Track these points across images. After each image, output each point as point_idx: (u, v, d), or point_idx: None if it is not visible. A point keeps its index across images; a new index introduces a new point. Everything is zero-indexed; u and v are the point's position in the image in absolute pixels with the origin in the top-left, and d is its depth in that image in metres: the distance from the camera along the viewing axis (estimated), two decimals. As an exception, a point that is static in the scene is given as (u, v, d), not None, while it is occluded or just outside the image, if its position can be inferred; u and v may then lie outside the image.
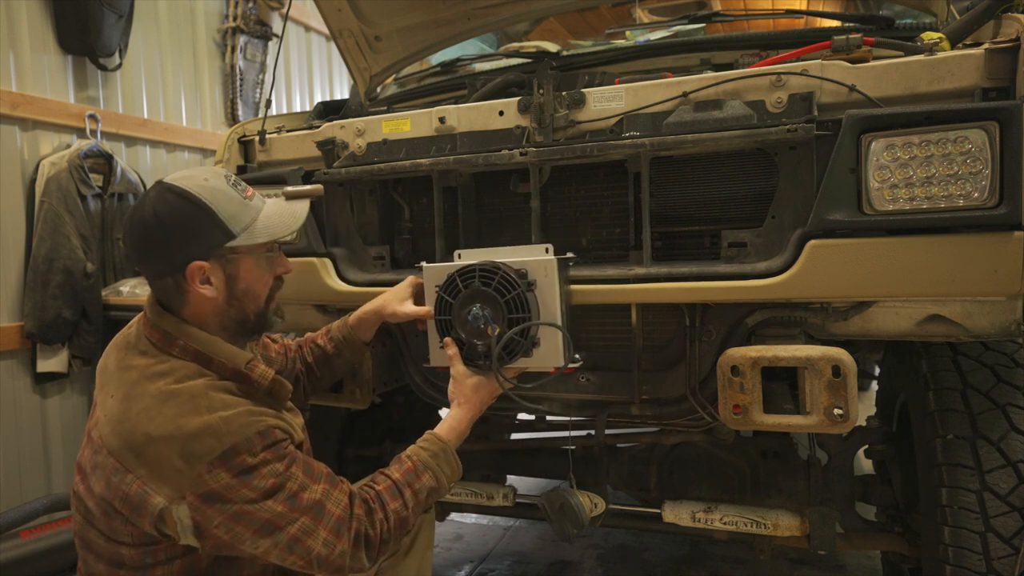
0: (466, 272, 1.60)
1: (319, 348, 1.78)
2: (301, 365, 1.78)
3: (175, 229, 1.28)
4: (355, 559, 1.27)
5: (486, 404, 1.59)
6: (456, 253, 1.70)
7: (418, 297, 1.74)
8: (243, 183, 1.39)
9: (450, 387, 1.60)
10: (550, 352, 1.57)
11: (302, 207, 1.46)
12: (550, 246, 1.60)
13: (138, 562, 1.26)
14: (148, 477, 1.19)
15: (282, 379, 1.38)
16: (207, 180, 1.32)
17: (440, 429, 1.52)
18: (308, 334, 1.82)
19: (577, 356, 1.62)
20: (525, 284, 1.56)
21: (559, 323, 1.57)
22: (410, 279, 1.76)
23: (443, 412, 2.37)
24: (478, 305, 1.57)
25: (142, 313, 1.38)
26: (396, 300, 1.73)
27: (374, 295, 1.86)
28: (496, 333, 1.54)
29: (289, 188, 1.51)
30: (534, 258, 1.58)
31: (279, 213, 1.41)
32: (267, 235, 1.36)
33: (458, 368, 1.60)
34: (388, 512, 1.33)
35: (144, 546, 1.25)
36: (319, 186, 1.52)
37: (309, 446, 1.51)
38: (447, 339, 1.63)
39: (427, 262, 1.72)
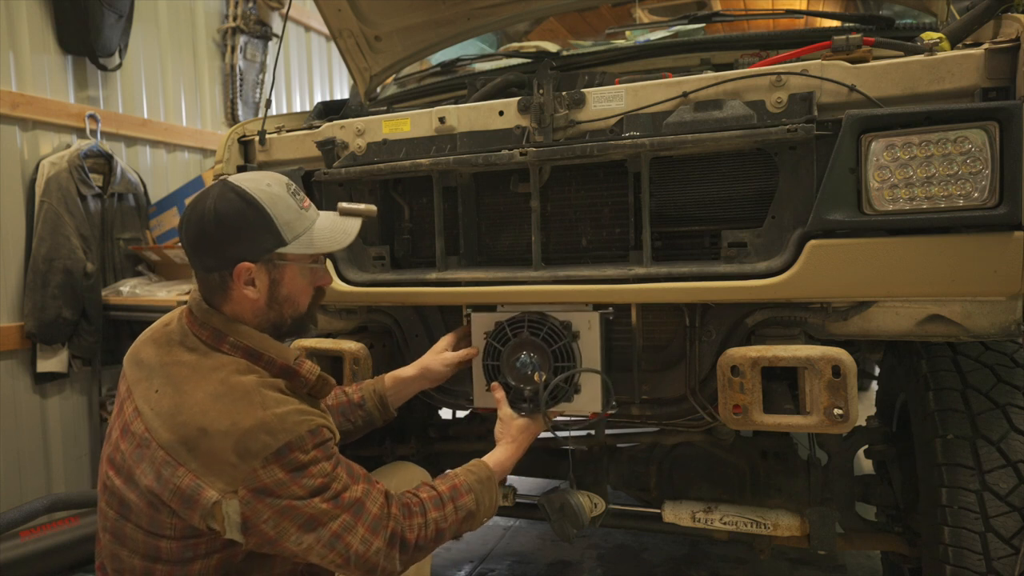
0: (516, 322, 1.73)
1: (345, 395, 1.78)
2: None
3: (231, 227, 1.32)
4: (388, 559, 1.31)
5: (529, 444, 1.68)
6: (498, 305, 1.80)
7: (455, 348, 1.82)
8: (301, 193, 1.42)
9: (497, 427, 1.69)
10: (590, 398, 1.69)
11: (353, 224, 1.49)
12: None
13: (177, 556, 1.28)
14: (201, 471, 1.22)
15: (326, 375, 1.41)
16: (269, 185, 1.36)
17: (489, 459, 1.59)
18: (336, 387, 1.81)
19: (614, 403, 1.71)
20: (571, 335, 1.67)
21: (600, 371, 1.67)
22: (446, 337, 1.84)
23: (443, 412, 2.39)
24: (526, 352, 1.69)
25: (181, 310, 1.42)
26: (437, 357, 1.80)
27: (373, 295, 1.86)
28: (543, 379, 1.66)
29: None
30: (579, 311, 1.69)
31: (331, 228, 1.45)
32: (317, 247, 1.41)
33: (505, 411, 1.69)
34: (428, 519, 1.38)
35: (185, 539, 1.27)
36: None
37: None
38: (495, 383, 1.73)
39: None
